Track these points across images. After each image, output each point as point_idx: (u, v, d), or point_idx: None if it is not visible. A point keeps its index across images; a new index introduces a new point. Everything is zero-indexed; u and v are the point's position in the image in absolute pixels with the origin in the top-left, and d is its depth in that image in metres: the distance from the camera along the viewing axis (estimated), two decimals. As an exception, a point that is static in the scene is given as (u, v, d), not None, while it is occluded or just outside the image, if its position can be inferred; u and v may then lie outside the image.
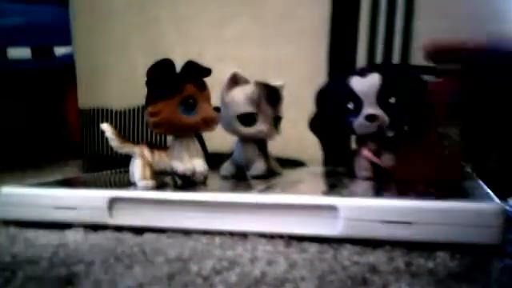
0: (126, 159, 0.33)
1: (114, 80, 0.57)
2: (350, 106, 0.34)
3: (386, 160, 0.34)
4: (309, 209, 0.26)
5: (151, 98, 0.31)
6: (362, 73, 0.35)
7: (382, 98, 0.34)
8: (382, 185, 0.34)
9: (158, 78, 0.31)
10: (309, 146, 0.46)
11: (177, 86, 0.31)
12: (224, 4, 0.50)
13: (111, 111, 0.57)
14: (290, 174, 0.39)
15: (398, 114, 0.34)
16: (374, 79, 0.34)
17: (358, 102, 0.34)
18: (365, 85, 0.34)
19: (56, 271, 0.22)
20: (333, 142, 0.40)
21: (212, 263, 0.22)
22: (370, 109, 0.34)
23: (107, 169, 0.42)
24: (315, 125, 0.38)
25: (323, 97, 0.37)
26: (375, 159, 0.35)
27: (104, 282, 0.21)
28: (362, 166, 0.35)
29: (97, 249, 0.25)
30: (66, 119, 0.76)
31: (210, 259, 0.23)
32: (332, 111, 0.36)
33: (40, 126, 0.75)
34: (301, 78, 0.47)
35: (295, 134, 0.45)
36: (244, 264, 0.22)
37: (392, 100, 0.34)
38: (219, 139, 0.37)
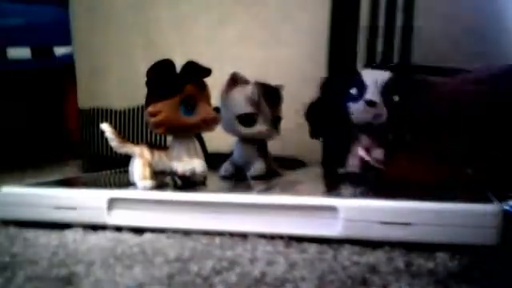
0: (126, 159, 0.33)
1: (113, 80, 0.57)
2: (353, 91, 0.35)
3: (376, 155, 0.35)
4: (308, 209, 0.26)
5: (151, 98, 0.31)
6: (375, 67, 0.36)
7: (386, 92, 0.34)
8: (382, 186, 0.34)
9: (158, 78, 0.31)
10: (309, 146, 0.46)
11: (177, 86, 0.31)
12: (224, 4, 0.50)
13: (111, 111, 0.57)
14: (289, 175, 0.39)
15: (399, 113, 0.34)
16: (383, 73, 0.35)
17: (362, 89, 0.34)
18: (373, 75, 0.35)
19: (56, 271, 0.22)
20: (328, 132, 0.39)
21: (212, 263, 0.22)
22: (371, 96, 0.34)
23: (107, 169, 0.42)
24: (312, 112, 0.38)
25: (328, 83, 0.37)
26: (368, 158, 0.35)
27: (104, 281, 0.21)
28: (352, 162, 0.36)
29: (96, 249, 0.25)
30: (66, 119, 0.76)
31: (209, 259, 0.23)
32: (334, 97, 0.36)
33: (40, 126, 0.75)
34: (301, 78, 0.46)
35: (295, 134, 0.45)
36: (244, 264, 0.22)
37: (396, 98, 0.34)
38: (219, 139, 0.37)
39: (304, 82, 0.46)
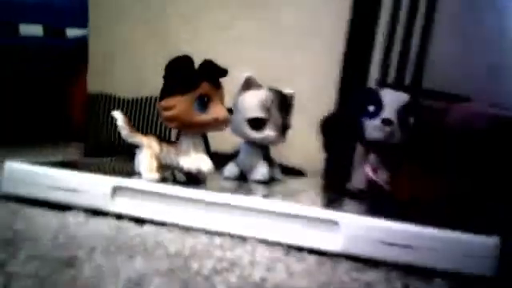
0: (129, 147, 0.32)
1: (123, 69, 0.57)
2: (371, 108, 0.35)
3: (383, 175, 0.35)
4: (310, 221, 0.26)
5: (166, 93, 0.31)
6: (395, 88, 0.37)
7: (404, 114, 0.35)
8: (385, 205, 0.34)
9: (176, 73, 0.31)
10: (311, 155, 0.46)
11: (193, 82, 0.31)
12: (229, 6, 0.51)
13: (118, 99, 0.57)
14: (291, 183, 0.39)
15: (413, 134, 0.35)
16: (402, 95, 0.36)
17: (379, 107, 0.35)
18: (393, 96, 0.36)
19: (58, 252, 0.22)
20: (339, 147, 0.40)
21: (211, 262, 0.22)
22: (388, 114, 0.35)
23: (109, 155, 0.42)
24: (326, 125, 0.39)
25: (348, 99, 0.38)
26: (375, 177, 0.35)
27: (104, 267, 0.21)
28: (358, 179, 0.36)
29: (97, 233, 0.25)
30: (73, 102, 0.75)
31: (209, 258, 0.23)
32: (351, 112, 0.37)
33: (46, 106, 0.74)
34: (309, 88, 0.47)
35: (299, 142, 0.45)
36: (243, 265, 0.23)
37: (412, 120, 0.35)
38: (217, 139, 0.37)
39: (312, 93, 0.46)
